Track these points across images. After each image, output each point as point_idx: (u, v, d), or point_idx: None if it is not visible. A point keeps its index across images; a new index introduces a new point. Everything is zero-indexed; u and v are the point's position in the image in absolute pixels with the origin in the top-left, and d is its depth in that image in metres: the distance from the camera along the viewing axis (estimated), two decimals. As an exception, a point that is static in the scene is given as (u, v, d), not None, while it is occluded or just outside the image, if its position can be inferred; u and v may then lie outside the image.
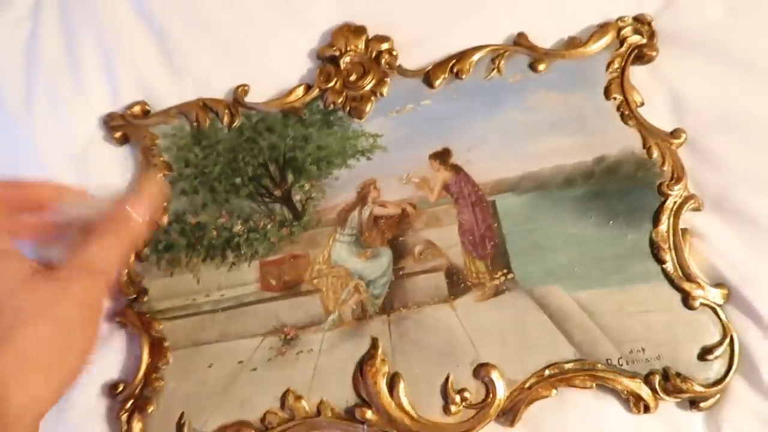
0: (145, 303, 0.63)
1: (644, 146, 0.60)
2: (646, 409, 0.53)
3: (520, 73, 0.65)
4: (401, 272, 0.60)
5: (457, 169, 0.63)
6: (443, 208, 0.62)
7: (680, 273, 0.56)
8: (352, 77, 0.67)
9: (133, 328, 0.62)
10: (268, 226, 0.64)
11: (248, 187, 0.66)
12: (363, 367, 0.57)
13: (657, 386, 0.53)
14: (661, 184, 0.59)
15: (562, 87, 0.63)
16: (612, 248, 0.58)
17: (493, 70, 0.65)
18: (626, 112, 0.61)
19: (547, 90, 0.64)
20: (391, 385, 0.56)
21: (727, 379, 0.53)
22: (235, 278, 0.63)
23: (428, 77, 0.66)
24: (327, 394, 0.57)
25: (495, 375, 0.55)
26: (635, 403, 0.54)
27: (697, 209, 0.58)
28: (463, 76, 0.65)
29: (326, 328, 0.60)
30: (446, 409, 0.55)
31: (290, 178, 0.65)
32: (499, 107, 0.64)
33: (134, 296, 0.63)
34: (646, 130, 0.61)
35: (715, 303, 0.55)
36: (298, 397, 0.57)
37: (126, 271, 0.64)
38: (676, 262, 0.56)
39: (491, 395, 0.55)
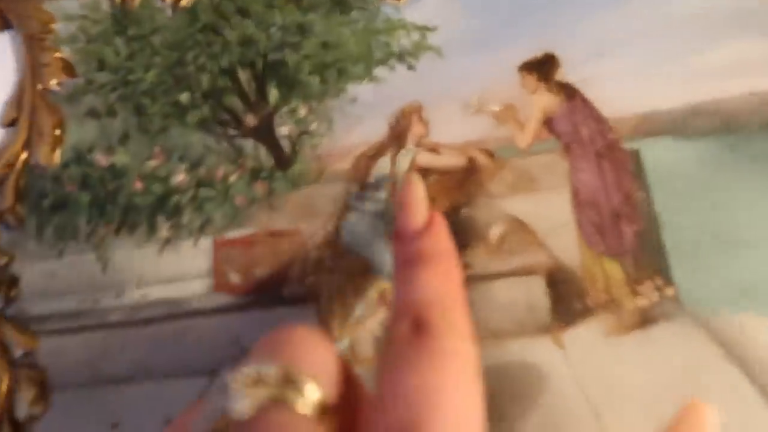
0: (11, 302, 0.36)
1: None
2: None
3: (688, -73, 0.36)
4: (466, 272, 0.33)
5: (570, 93, 0.35)
6: (544, 159, 0.35)
7: None
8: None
9: (-12, 347, 0.35)
10: (232, 177, 0.37)
11: (201, 109, 0.38)
12: (391, 445, 0.31)
13: None
14: None
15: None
16: None
17: None
18: None
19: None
20: (443, 484, 0.30)
21: None
22: (171, 266, 0.36)
23: (520, -70, 0.37)
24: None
25: (641, 479, 0.29)
26: None
27: None
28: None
29: None
30: None
31: (273, 95, 0.38)
32: (648, -14, 0.35)
33: (-6, 288, 0.36)
34: None
35: None
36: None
37: (-15, 243, 0.37)
38: None
39: None
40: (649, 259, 0.32)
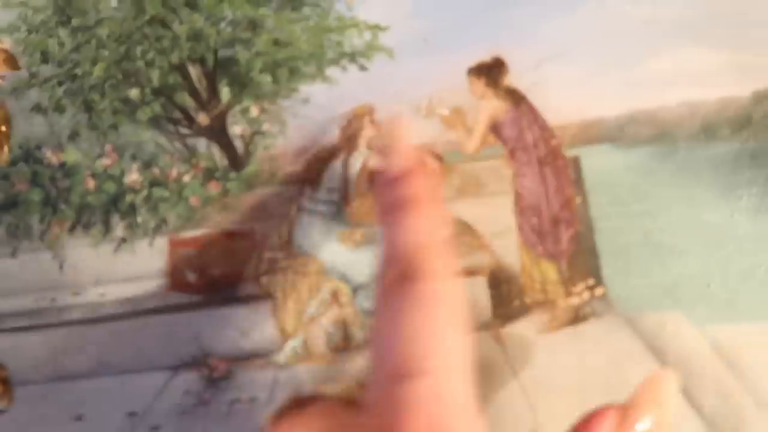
0: (-33, 301, 0.36)
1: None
2: None
3: (636, -69, 0.36)
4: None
5: (516, 98, 0.36)
6: (490, 165, 0.36)
7: None
8: None
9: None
10: (186, 177, 0.37)
11: (151, 106, 0.37)
12: (342, 435, 0.33)
13: (840, 497, 0.31)
14: None
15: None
16: (775, 253, 0.33)
17: None
18: (814, 14, 0.35)
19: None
20: (390, 469, 0.33)
21: None
22: (127, 266, 0.36)
23: (473, -73, 0.37)
24: (279, 477, 0.33)
25: (567, 461, 0.32)
26: None
27: None
28: (535, -70, 0.36)
29: (282, 361, 0.35)
30: None
31: (225, 93, 0.37)
32: (594, -10, 0.36)
33: (-52, 289, 0.36)
34: None
35: None
36: (230, 481, 0.33)
37: (-64, 242, 0.37)
38: None
39: (559, 496, 0.32)
40: (582, 261, 0.34)
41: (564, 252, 0.34)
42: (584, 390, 0.33)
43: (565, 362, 0.33)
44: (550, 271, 0.34)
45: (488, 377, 0.34)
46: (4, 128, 0.38)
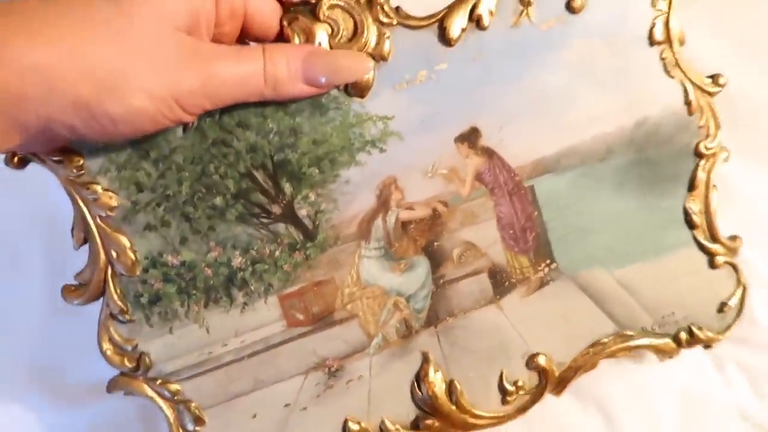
0: (151, 368, 0.51)
1: (685, 101, 0.53)
2: (669, 357, 0.58)
3: (555, 18, 0.50)
4: (442, 280, 0.52)
5: (489, 153, 0.51)
6: (478, 201, 0.52)
7: (708, 235, 0.55)
8: (340, 36, 0.48)
9: (147, 399, 0.51)
10: (276, 253, 0.51)
11: (235, 207, 0.49)
12: (419, 383, 0.54)
13: (684, 342, 0.57)
14: (698, 144, 0.53)
15: (605, 31, 0.50)
16: (648, 220, 0.53)
17: (522, 13, 0.49)
18: (668, 59, 0.52)
19: (588, 37, 0.50)
20: (450, 392, 0.55)
21: (734, 325, 0.58)
22: (253, 320, 0.50)
23: (443, 28, 0.48)
24: (387, 413, 0.55)
25: (544, 361, 0.55)
26: (661, 357, 0.58)
27: (726, 160, 0.55)
28: (486, 23, 0.49)
29: (372, 352, 0.53)
30: (504, 401, 0.55)
31: (287, 188, 0.50)
32: (532, 66, 0.49)
33: (134, 365, 0.51)
34: (687, 80, 0.52)
35: (734, 260, 0.56)
36: (358, 423, 0.54)
37: (107, 337, 0.50)
38: (705, 225, 0.55)
39: (544, 380, 0.56)
40: (542, 250, 0.53)
41: (530, 247, 0.53)
42: (551, 323, 0.56)
43: (538, 309, 0.54)
44: (524, 260, 0.53)
45: (497, 331, 0.55)
46: (129, 245, 0.49)
